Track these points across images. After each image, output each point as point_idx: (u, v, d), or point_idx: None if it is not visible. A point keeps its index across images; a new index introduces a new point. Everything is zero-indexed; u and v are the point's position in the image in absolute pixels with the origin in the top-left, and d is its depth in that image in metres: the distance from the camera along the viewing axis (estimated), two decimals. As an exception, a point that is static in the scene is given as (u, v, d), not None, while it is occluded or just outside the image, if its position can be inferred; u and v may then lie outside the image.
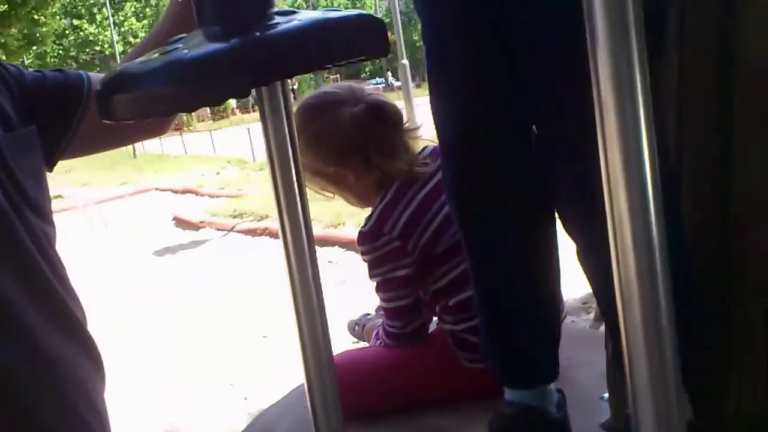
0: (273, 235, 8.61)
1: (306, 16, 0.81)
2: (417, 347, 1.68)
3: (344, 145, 1.68)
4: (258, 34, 0.77)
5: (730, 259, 1.18)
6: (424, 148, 1.74)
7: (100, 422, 1.23)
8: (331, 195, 1.83)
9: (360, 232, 1.68)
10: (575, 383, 1.51)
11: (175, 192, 14.33)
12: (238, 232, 9.40)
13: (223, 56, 0.75)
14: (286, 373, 4.84)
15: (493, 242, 1.33)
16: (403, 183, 1.67)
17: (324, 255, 7.07)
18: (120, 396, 4.12)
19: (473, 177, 1.32)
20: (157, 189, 15.19)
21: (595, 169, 0.72)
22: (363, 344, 1.98)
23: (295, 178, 1.22)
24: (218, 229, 9.83)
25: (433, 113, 1.33)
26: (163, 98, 0.75)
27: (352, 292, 5.01)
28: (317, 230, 7.38)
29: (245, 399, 4.55)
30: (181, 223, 10.77)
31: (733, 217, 1.15)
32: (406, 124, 1.76)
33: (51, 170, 1.32)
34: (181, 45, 0.78)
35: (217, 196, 12.57)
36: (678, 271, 1.09)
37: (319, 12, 0.83)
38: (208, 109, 58.63)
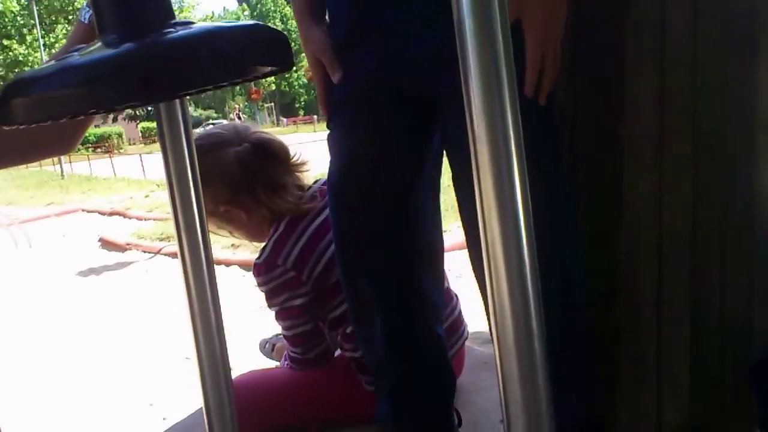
0: (200, 259, 8.52)
1: (202, 25, 0.83)
2: (321, 370, 1.70)
3: (232, 185, 1.70)
4: (150, 40, 0.78)
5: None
6: (316, 182, 1.77)
7: None
8: (226, 234, 1.85)
9: (255, 264, 1.71)
10: (475, 406, 1.54)
11: (103, 213, 14.11)
12: (165, 254, 9.29)
13: (113, 60, 0.76)
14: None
15: (367, 290, 1.37)
16: (294, 217, 1.70)
17: (250, 280, 7.03)
18: (37, 414, 4.05)
19: (353, 226, 1.34)
20: (84, 210, 14.93)
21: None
22: (275, 363, 1.99)
23: (194, 196, 1.24)
24: (144, 251, 9.71)
25: (329, 151, 1.35)
26: (57, 101, 0.77)
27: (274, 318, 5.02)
28: (245, 255, 7.33)
29: (164, 419, 4.51)
30: (107, 244, 10.60)
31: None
32: (293, 159, 1.78)
33: None
34: (76, 53, 0.80)
35: (145, 219, 12.41)
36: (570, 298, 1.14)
37: (217, 22, 0.83)
38: (139, 133, 57.89)
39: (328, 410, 1.63)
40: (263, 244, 1.73)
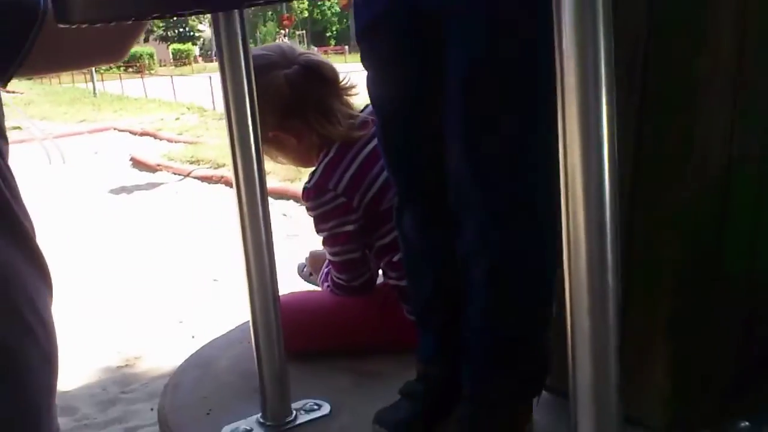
0: (229, 183, 8.45)
1: None
2: (364, 296, 1.69)
3: (282, 109, 1.66)
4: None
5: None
6: (366, 107, 1.72)
7: (47, 333, 1.23)
8: (279, 160, 1.82)
9: (305, 189, 1.67)
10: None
11: (134, 133, 14.15)
12: (194, 177, 9.32)
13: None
14: (233, 315, 4.86)
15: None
16: (344, 143, 1.66)
17: (278, 208, 7.05)
18: (71, 325, 4.12)
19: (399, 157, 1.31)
20: (115, 129, 14.98)
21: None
22: (311, 287, 1.98)
23: (249, 111, 1.22)
24: (174, 174, 9.75)
25: (367, 86, 1.31)
26: (119, 2, 0.74)
27: (303, 246, 5.03)
28: (273, 183, 7.35)
29: (192, 337, 4.58)
30: (138, 164, 10.65)
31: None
32: (342, 83, 1.73)
33: (5, 86, 1.30)
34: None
35: (175, 141, 12.42)
36: None
37: None
38: (170, 55, 57.57)
39: (368, 336, 1.63)
40: (310, 170, 1.69)
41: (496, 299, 1.19)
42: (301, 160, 1.78)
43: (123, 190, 9.13)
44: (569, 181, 0.78)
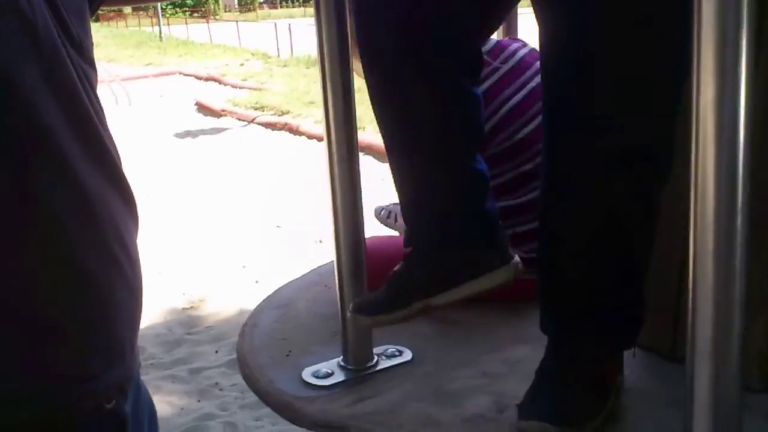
0: (293, 130, 8.57)
1: None
2: None
3: None
4: None
5: None
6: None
7: (132, 266, 1.21)
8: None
9: None
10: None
11: (199, 78, 14.25)
12: (258, 124, 9.35)
13: None
14: (297, 261, 4.90)
15: None
16: None
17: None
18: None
19: None
20: (181, 73, 15.10)
21: None
22: (391, 231, 1.92)
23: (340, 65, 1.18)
24: (239, 119, 9.80)
25: None
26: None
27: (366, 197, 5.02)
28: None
29: (256, 282, 4.63)
30: (203, 108, 10.74)
31: None
32: None
33: (92, 15, 1.27)
34: None
35: (240, 87, 12.48)
36: None
37: None
38: (235, 1, 57.74)
39: None
40: None
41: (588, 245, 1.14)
42: None
43: (188, 134, 9.22)
44: (700, 121, 0.73)
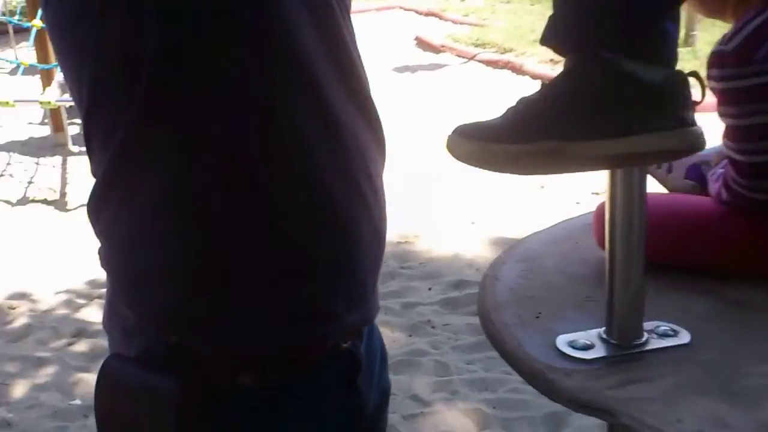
0: (515, 69, 8.31)
1: None
2: (758, 217, 1.34)
3: None
4: None
5: None
6: None
7: (378, 201, 1.15)
8: None
9: (715, 52, 1.30)
10: None
11: (419, 13, 14.17)
12: (479, 61, 9.15)
13: None
14: (516, 209, 4.77)
15: None
16: None
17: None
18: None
19: None
20: (401, 8, 15.11)
21: None
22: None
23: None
24: (458, 56, 9.64)
25: None
26: None
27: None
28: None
29: (472, 223, 4.57)
30: (422, 44, 10.67)
31: None
32: None
33: None
34: None
35: (460, 23, 12.27)
36: None
37: None
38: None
39: (751, 260, 1.31)
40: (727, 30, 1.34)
41: None
42: (708, 8, 1.44)
43: (407, 69, 9.19)
44: None
